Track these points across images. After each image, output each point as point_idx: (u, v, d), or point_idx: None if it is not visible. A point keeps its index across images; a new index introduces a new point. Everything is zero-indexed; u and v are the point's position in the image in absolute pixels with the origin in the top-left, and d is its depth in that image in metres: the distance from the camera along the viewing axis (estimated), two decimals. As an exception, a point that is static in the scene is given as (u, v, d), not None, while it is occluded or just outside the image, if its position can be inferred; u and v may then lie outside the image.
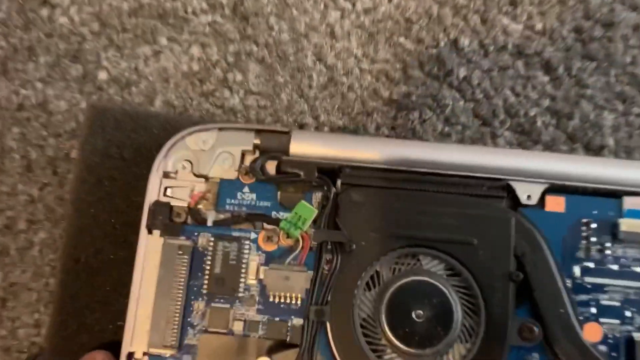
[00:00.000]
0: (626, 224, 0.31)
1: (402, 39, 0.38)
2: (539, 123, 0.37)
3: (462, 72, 0.38)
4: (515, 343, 0.30)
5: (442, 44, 0.38)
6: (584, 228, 0.31)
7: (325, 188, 0.32)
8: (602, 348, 0.30)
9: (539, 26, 0.38)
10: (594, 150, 0.37)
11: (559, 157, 0.32)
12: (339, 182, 0.32)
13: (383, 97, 0.38)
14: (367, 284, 0.30)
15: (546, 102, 0.37)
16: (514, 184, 0.31)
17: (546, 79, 0.38)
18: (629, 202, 0.31)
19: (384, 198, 0.31)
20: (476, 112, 0.38)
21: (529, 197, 0.31)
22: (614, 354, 0.30)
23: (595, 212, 0.31)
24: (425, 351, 0.30)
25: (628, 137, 0.37)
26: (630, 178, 0.31)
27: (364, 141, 0.32)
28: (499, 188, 0.31)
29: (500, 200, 0.31)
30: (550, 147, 0.37)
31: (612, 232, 0.31)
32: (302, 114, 0.38)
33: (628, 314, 0.31)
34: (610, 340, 0.30)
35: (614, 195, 0.31)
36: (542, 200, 0.31)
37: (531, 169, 0.31)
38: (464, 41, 0.38)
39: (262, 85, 0.38)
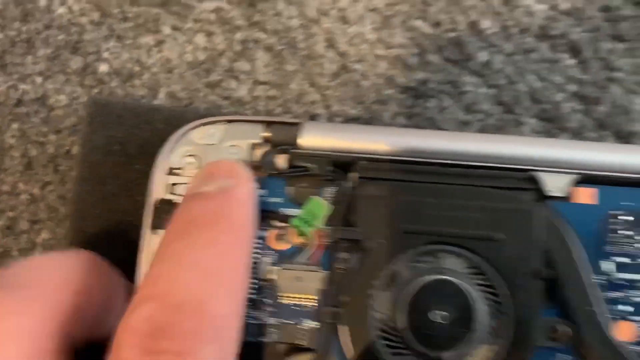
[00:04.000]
0: (664, 216, 0.29)
1: (418, 22, 0.37)
2: (565, 109, 0.35)
3: (483, 57, 0.36)
4: (544, 344, 0.28)
5: (461, 26, 0.36)
6: (617, 221, 0.29)
7: (340, 182, 0.30)
8: (637, 348, 0.28)
9: (564, 6, 0.36)
10: (625, 137, 0.35)
11: (588, 145, 0.30)
12: (353, 175, 0.30)
13: (399, 85, 0.36)
14: (385, 284, 0.29)
15: (573, 87, 0.36)
16: (541, 175, 0.29)
17: (573, 62, 0.36)
18: (667, 193, 0.29)
19: (401, 192, 0.29)
20: (499, 98, 0.36)
21: (556, 188, 0.29)
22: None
23: (630, 203, 0.29)
24: (448, 353, 0.28)
25: (662, 122, 0.35)
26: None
27: (380, 132, 0.31)
28: (524, 179, 0.29)
29: (526, 192, 0.29)
30: (578, 134, 0.35)
31: (649, 225, 0.29)
32: (313, 104, 0.37)
33: (666, 311, 0.29)
34: (646, 340, 0.28)
35: (651, 185, 0.29)
36: (571, 191, 0.29)
37: (559, 158, 0.29)
38: (485, 23, 0.36)
39: (271, 75, 0.37)
